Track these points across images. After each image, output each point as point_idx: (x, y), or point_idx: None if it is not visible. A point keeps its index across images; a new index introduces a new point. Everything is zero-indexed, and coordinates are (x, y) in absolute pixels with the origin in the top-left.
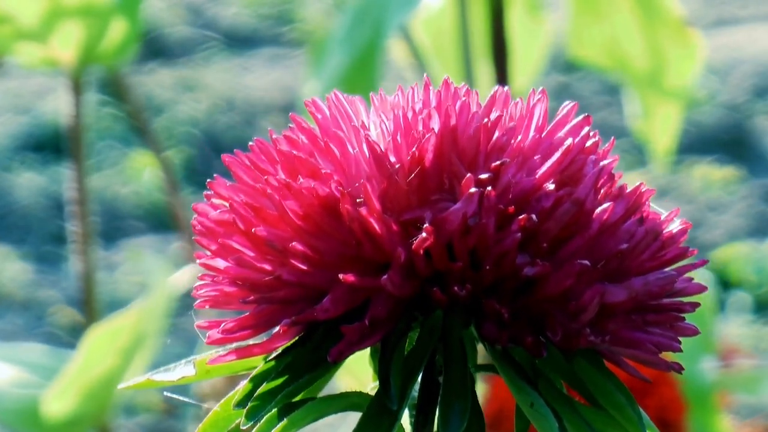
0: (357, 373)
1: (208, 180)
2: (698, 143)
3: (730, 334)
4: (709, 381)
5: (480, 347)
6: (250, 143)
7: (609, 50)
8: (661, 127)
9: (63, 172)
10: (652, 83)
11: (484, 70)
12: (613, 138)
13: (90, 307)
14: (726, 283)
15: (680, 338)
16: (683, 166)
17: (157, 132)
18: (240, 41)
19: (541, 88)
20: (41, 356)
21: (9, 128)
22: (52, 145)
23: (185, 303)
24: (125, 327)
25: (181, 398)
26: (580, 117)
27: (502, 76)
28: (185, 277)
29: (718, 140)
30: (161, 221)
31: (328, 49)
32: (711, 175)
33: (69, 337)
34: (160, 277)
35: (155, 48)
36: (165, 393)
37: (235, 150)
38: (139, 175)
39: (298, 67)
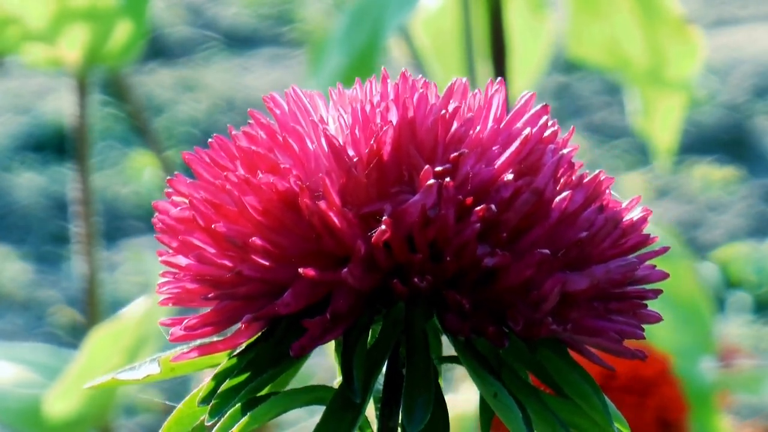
0: None
1: (167, 177)
2: (698, 143)
3: (730, 334)
4: (709, 381)
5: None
6: (210, 140)
7: (609, 49)
8: (662, 125)
9: (63, 172)
10: (652, 82)
11: (485, 70)
12: (573, 127)
13: (92, 307)
14: (726, 283)
15: (680, 337)
16: (683, 166)
17: (157, 132)
18: (240, 41)
19: (499, 79)
20: (43, 356)
21: (9, 128)
22: (52, 145)
23: None
24: (128, 328)
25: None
26: (538, 106)
27: (502, 76)
28: None
29: (718, 140)
30: None
31: (328, 50)
32: (711, 175)
33: (69, 337)
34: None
35: (155, 48)
36: (167, 394)
37: (195, 147)
38: (139, 175)
39: (298, 67)
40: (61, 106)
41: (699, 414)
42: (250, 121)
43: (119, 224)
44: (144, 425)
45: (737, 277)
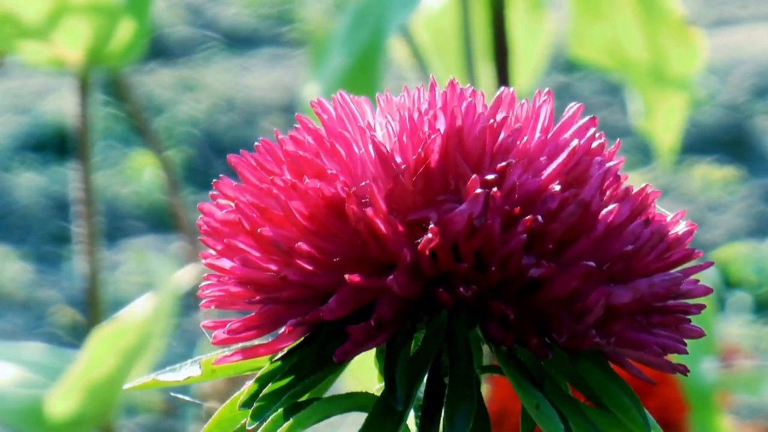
0: (360, 376)
1: (213, 180)
2: (698, 143)
3: (730, 334)
4: (709, 381)
5: (485, 348)
6: (256, 143)
7: (610, 50)
8: (663, 126)
9: (63, 172)
10: (654, 83)
11: (486, 69)
12: (618, 140)
13: (93, 307)
14: (726, 283)
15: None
16: (683, 166)
17: (157, 132)
18: (240, 41)
19: (547, 89)
20: (43, 356)
21: (9, 128)
22: (52, 145)
23: (186, 303)
24: (130, 328)
25: (183, 398)
26: (587, 118)
27: (503, 75)
28: (187, 277)
29: (718, 140)
30: (161, 221)
31: (329, 49)
32: (711, 175)
33: (69, 337)
34: (163, 277)
35: (155, 48)
36: (167, 394)
37: (241, 150)
38: (139, 175)
39: (298, 67)
40: (61, 106)
41: (699, 414)
42: (297, 126)
43: (119, 224)
44: (144, 425)
45: (737, 277)
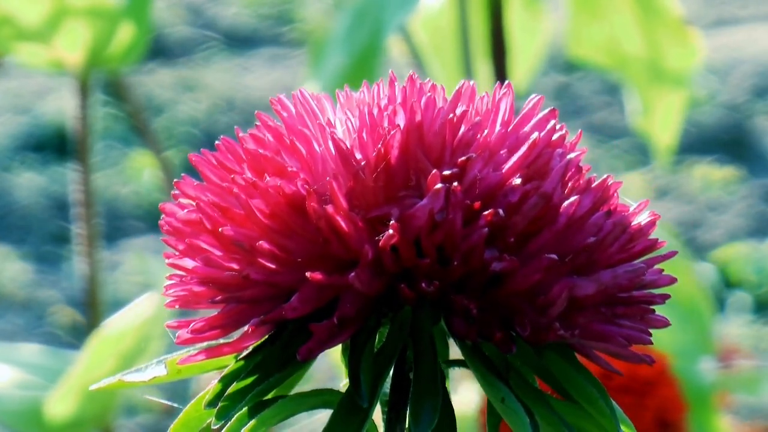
0: None
1: (171, 178)
2: (698, 143)
3: (730, 334)
4: (709, 381)
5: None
6: (217, 142)
7: (608, 49)
8: (662, 125)
9: (63, 172)
10: (651, 82)
11: (483, 69)
12: (580, 131)
13: (94, 308)
14: (726, 283)
15: (679, 337)
16: (683, 166)
17: (157, 132)
18: (240, 41)
19: (507, 82)
20: (42, 357)
21: (9, 128)
22: (52, 145)
23: None
24: (130, 329)
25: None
26: (546, 110)
27: (501, 74)
28: None
29: (718, 140)
30: None
31: (328, 49)
32: (711, 175)
33: (69, 337)
34: (162, 277)
35: (155, 48)
36: (167, 394)
37: (202, 149)
38: (139, 175)
39: (298, 67)
40: (61, 106)
41: (698, 414)
42: (257, 123)
43: (119, 224)
44: (144, 425)
45: (737, 277)
